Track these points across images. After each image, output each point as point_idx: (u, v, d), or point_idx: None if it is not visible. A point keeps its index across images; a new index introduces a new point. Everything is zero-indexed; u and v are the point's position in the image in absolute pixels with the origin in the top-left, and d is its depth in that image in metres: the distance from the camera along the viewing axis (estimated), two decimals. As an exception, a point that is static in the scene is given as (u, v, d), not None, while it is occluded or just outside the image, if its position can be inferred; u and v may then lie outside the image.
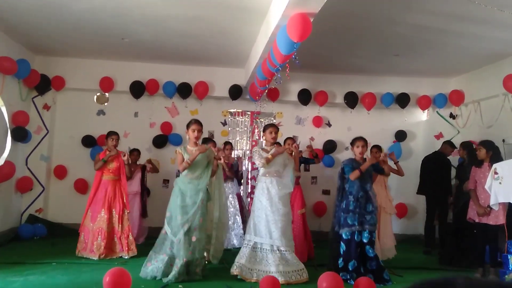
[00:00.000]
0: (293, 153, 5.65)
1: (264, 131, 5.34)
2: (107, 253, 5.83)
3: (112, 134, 6.20)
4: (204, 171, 5.05)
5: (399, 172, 6.37)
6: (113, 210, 5.96)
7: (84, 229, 5.94)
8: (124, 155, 6.09)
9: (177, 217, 4.89)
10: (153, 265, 4.87)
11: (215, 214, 5.32)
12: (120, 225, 5.95)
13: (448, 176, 7.27)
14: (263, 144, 5.44)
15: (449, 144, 7.38)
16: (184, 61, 7.83)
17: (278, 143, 5.44)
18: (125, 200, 6.05)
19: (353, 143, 5.38)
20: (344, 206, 5.20)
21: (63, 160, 7.99)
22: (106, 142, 6.26)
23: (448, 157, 7.34)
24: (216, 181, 5.42)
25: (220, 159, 5.47)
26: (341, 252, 5.10)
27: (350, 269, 5.02)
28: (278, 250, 4.96)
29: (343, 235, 5.12)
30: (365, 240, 5.10)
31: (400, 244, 7.61)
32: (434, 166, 7.26)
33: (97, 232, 5.84)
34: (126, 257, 5.86)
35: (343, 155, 8.25)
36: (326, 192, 8.40)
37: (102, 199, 5.94)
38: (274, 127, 5.30)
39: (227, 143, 7.17)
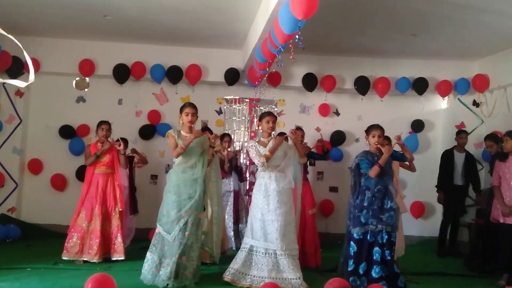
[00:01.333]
0: (290, 140, 5.55)
1: (260, 120, 5.32)
2: (100, 255, 5.87)
3: (102, 124, 6.23)
4: (199, 159, 5.13)
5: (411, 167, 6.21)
6: (104, 206, 6.01)
7: (77, 229, 5.93)
8: (120, 145, 6.11)
9: (170, 213, 4.97)
10: (149, 266, 4.97)
11: (214, 209, 5.33)
12: (109, 223, 6.02)
13: (451, 172, 7.23)
14: (260, 136, 5.41)
15: (461, 133, 7.34)
16: (174, 41, 7.80)
17: (284, 134, 5.38)
18: (118, 196, 6.10)
19: (368, 131, 5.30)
20: (358, 203, 5.16)
21: (38, 153, 7.99)
22: (96, 133, 6.31)
23: (454, 151, 7.31)
24: (212, 173, 5.43)
25: (214, 147, 5.46)
26: (352, 254, 5.08)
27: (361, 272, 5.02)
28: (274, 253, 4.97)
29: (354, 235, 5.09)
30: (381, 241, 5.07)
31: (417, 247, 7.67)
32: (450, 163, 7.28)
33: (94, 231, 5.89)
34: (120, 258, 5.91)
35: (352, 148, 8.26)
36: (333, 189, 8.40)
37: (94, 195, 6.01)
38: (272, 116, 5.28)
39: (224, 135, 7.12)
